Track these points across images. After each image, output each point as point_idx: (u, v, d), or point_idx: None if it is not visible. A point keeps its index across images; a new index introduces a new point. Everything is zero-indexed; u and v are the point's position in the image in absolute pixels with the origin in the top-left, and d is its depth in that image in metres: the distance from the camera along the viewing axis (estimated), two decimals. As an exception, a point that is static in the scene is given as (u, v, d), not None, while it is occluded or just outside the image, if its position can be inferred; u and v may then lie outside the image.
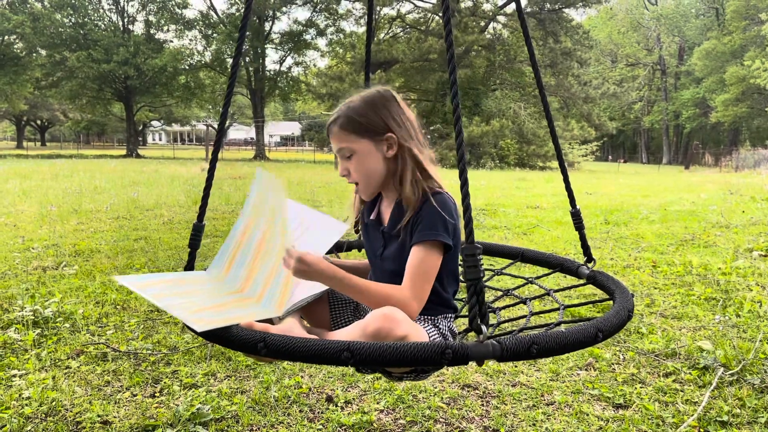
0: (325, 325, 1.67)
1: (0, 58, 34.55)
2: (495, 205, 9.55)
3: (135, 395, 2.54)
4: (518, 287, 2.05)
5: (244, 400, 2.50)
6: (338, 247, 2.15)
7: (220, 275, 1.64)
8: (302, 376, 2.75)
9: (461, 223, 1.52)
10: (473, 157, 27.14)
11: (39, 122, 60.06)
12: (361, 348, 1.08)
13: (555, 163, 29.26)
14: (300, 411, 2.43)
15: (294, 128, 74.52)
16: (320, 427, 2.31)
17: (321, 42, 60.02)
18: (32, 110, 51.02)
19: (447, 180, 1.63)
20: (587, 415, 2.40)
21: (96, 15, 37.46)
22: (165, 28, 38.67)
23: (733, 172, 27.37)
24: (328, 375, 2.77)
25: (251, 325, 1.32)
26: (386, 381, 2.55)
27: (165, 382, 2.65)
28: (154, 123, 62.52)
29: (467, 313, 1.18)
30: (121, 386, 2.62)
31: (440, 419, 2.39)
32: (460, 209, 1.18)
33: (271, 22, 37.53)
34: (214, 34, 37.12)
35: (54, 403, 2.41)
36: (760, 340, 3.11)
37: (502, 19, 33.30)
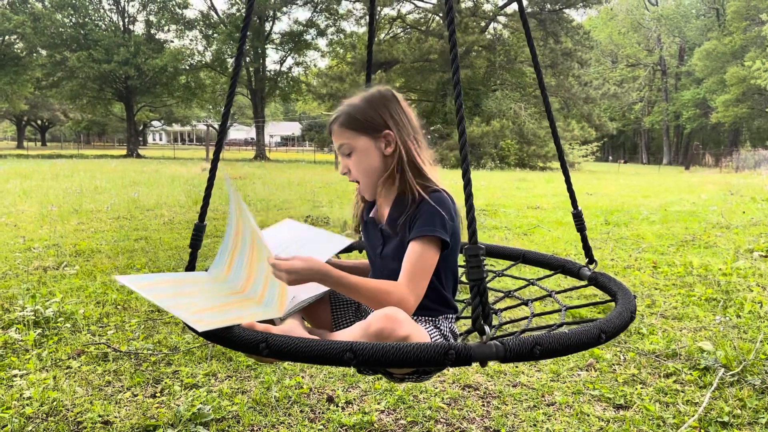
0: (327, 326, 1.67)
1: (0, 58, 34.56)
2: (495, 206, 9.55)
3: (136, 395, 2.54)
4: (519, 288, 2.05)
5: (244, 400, 2.50)
6: None
7: (221, 275, 1.64)
8: (303, 377, 2.75)
9: (462, 223, 1.53)
10: (473, 157, 27.10)
11: (39, 122, 60.09)
12: (364, 348, 1.08)
13: (555, 164, 29.31)
14: (301, 411, 2.43)
15: (294, 128, 74.56)
16: (321, 427, 2.32)
17: (321, 42, 60.10)
18: (33, 110, 51.03)
19: (448, 180, 1.63)
20: (588, 415, 2.40)
21: (96, 15, 37.47)
22: (165, 28, 38.69)
23: (733, 173, 27.36)
24: (329, 375, 2.77)
25: (252, 325, 1.32)
26: (387, 381, 2.55)
27: (166, 383, 2.65)
28: (155, 123, 62.55)
29: (468, 314, 1.18)
30: (121, 386, 2.62)
31: (441, 419, 2.39)
32: (463, 209, 1.18)
33: (271, 23, 37.55)
34: (215, 34, 37.12)
35: (55, 403, 2.42)
36: (761, 341, 3.11)
37: (502, 19, 33.31)
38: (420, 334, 1.32)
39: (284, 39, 38.26)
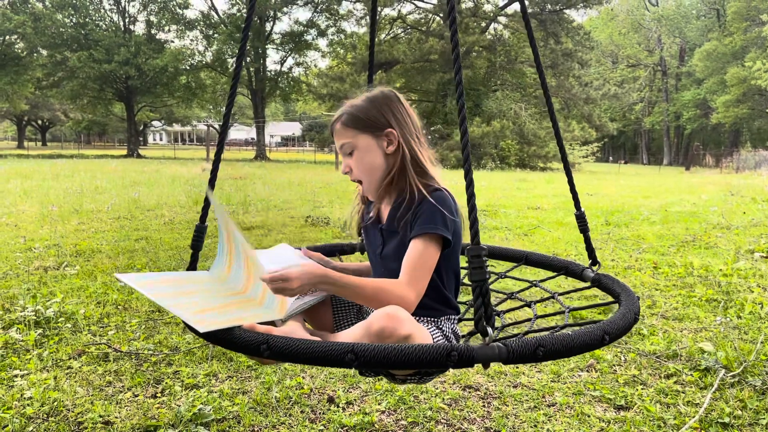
0: (328, 328, 1.67)
1: (1, 58, 34.57)
2: (496, 206, 9.55)
3: (136, 395, 2.54)
4: (522, 290, 2.04)
5: (245, 400, 2.50)
6: (341, 250, 2.15)
7: (222, 275, 1.63)
8: (304, 377, 2.75)
9: (464, 223, 1.53)
10: (474, 157, 27.01)
11: (40, 122, 60.10)
12: (366, 350, 1.08)
13: (556, 164, 29.28)
14: (301, 412, 2.43)
15: (295, 128, 74.60)
16: (321, 427, 2.31)
17: (322, 42, 60.02)
18: (33, 110, 51.07)
19: (449, 180, 1.63)
20: (588, 416, 2.40)
21: (97, 15, 37.48)
22: (166, 28, 38.71)
23: (733, 174, 27.34)
24: (329, 376, 2.77)
25: (253, 327, 1.31)
26: (387, 382, 2.55)
27: (166, 383, 2.65)
28: (155, 123, 62.59)
29: (471, 316, 1.17)
30: (122, 386, 2.62)
31: (441, 420, 2.39)
32: (465, 209, 1.18)
33: (272, 23, 37.57)
34: (215, 35, 37.14)
35: (56, 404, 2.41)
36: (762, 342, 3.11)
37: (503, 19, 33.32)
38: (422, 333, 1.32)
39: (285, 39, 38.28)
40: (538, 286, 1.98)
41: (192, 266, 1.72)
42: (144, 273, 1.65)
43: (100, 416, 2.33)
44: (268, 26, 37.23)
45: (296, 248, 1.80)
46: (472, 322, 1.15)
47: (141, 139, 56.06)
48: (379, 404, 2.50)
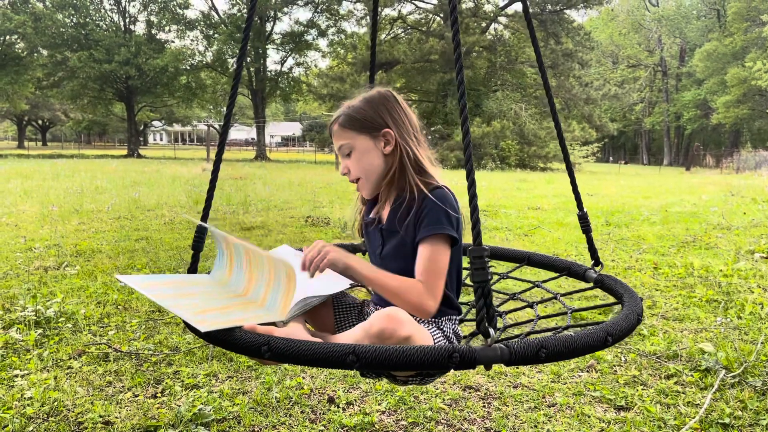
0: (330, 330, 1.67)
1: (1, 58, 34.57)
2: (496, 206, 9.54)
3: (137, 396, 2.54)
4: (524, 291, 2.04)
5: (245, 400, 2.50)
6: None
7: (223, 278, 1.63)
8: (304, 377, 2.75)
9: (466, 223, 1.53)
10: (474, 157, 26.86)
11: (40, 122, 60.11)
12: (367, 351, 1.07)
13: (556, 164, 29.28)
14: (302, 412, 2.43)
15: (295, 129, 74.59)
16: (322, 428, 2.31)
17: (322, 42, 60.03)
18: (33, 110, 51.08)
19: (448, 180, 1.63)
20: (589, 417, 2.39)
21: (97, 15, 37.49)
22: (166, 28, 38.72)
23: (734, 174, 27.34)
24: (329, 376, 2.77)
25: (254, 328, 1.31)
26: (388, 382, 2.55)
27: (167, 383, 2.65)
28: (155, 123, 62.59)
29: (472, 317, 1.17)
30: (122, 387, 2.62)
31: (442, 420, 2.38)
32: (466, 209, 1.18)
33: (272, 23, 37.58)
34: (216, 35, 37.15)
35: (56, 404, 2.41)
36: (762, 342, 3.11)
37: (503, 20, 33.32)
38: (422, 334, 1.32)
39: (285, 39, 38.29)
40: (540, 286, 1.98)
41: (193, 267, 1.72)
42: (144, 275, 1.65)
43: (100, 416, 2.33)
44: (268, 26, 37.25)
45: (297, 249, 1.80)
46: (474, 323, 1.14)
47: (141, 139, 56.07)
48: (379, 404, 2.50)
